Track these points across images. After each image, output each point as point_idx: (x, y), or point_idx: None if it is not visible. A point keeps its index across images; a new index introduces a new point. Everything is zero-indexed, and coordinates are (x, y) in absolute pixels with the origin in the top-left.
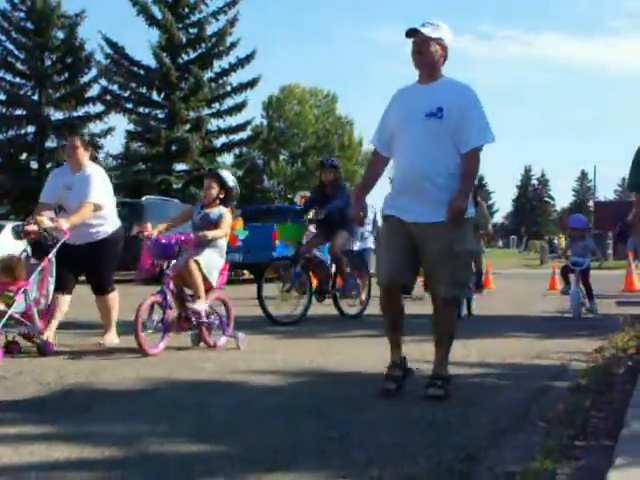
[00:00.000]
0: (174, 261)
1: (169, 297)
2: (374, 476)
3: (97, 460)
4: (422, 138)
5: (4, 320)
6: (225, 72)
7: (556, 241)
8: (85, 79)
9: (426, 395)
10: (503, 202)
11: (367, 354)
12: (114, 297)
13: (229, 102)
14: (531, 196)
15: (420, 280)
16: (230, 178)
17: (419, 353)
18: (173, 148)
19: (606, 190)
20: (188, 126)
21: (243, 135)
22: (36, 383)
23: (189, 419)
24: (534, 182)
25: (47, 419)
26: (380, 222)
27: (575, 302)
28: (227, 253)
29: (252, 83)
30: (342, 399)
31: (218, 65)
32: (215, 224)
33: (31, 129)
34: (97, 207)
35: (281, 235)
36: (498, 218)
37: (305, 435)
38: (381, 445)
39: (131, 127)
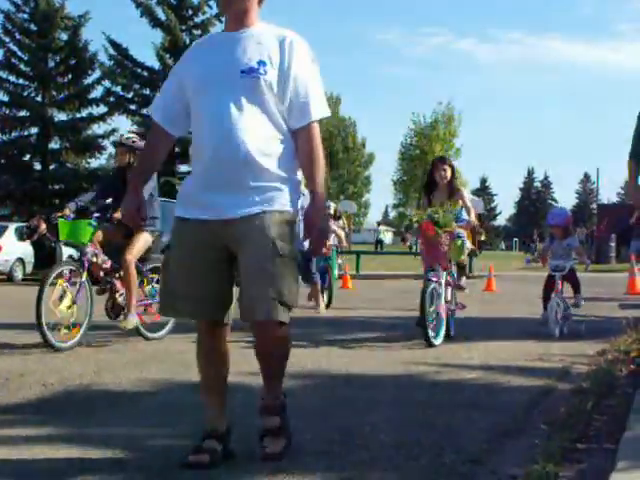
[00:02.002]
0: None
1: None
2: (376, 477)
3: (99, 462)
4: (234, 104)
5: None
6: None
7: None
8: (89, 80)
9: (263, 455)
10: (506, 205)
11: (370, 356)
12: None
13: None
14: (534, 198)
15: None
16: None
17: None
18: (176, 150)
19: (609, 193)
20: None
21: None
22: (39, 384)
23: (191, 420)
24: (537, 184)
25: (49, 421)
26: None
27: (552, 317)
28: None
29: None
30: (344, 401)
31: None
32: None
33: (34, 130)
34: None
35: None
36: (501, 220)
37: (307, 436)
38: (384, 447)
39: (134, 128)
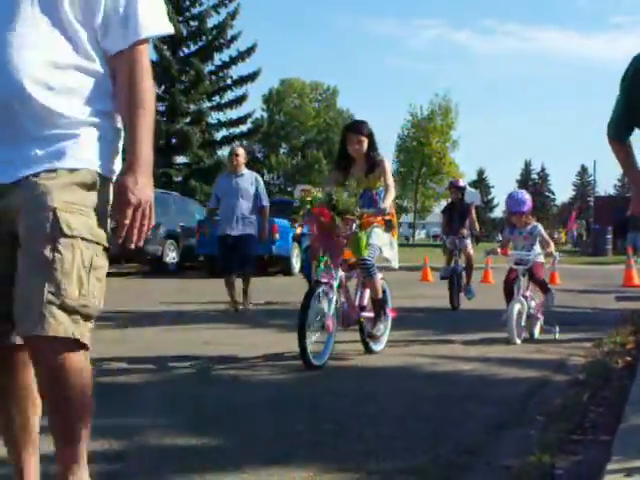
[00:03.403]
0: None
1: None
2: (372, 469)
3: (96, 453)
4: (8, 10)
5: None
6: (225, 65)
7: (556, 235)
8: None
9: None
10: (503, 197)
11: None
12: None
13: (229, 95)
14: (531, 191)
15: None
16: None
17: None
18: (173, 141)
19: (607, 185)
20: (188, 119)
21: (243, 128)
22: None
23: (186, 412)
24: (534, 177)
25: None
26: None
27: (512, 322)
28: None
29: (252, 76)
30: (340, 392)
31: (218, 58)
32: None
33: None
34: None
35: None
36: (498, 212)
37: (302, 427)
38: (379, 438)
39: None
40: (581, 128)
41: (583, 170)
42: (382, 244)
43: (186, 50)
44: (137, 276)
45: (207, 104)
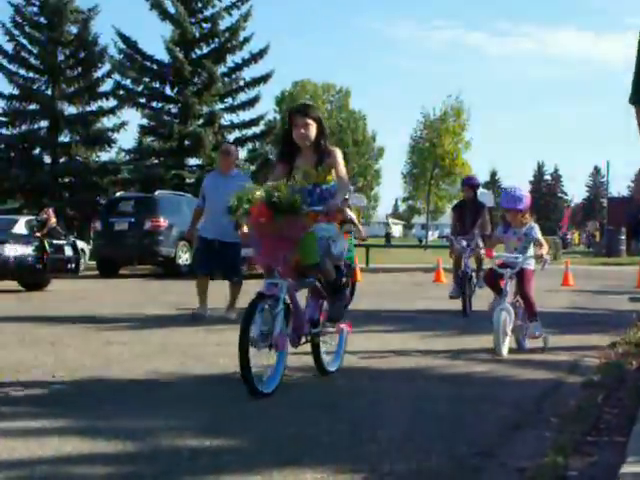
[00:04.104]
0: None
1: None
2: (385, 470)
3: (109, 454)
4: None
5: None
6: (238, 67)
7: (569, 236)
8: (98, 74)
9: None
10: None
11: (379, 349)
12: None
13: (242, 97)
14: (544, 192)
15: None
16: None
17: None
18: (186, 143)
19: (620, 186)
20: (201, 121)
21: (256, 130)
22: (49, 377)
23: (201, 413)
24: (547, 178)
25: (59, 413)
26: None
27: (497, 329)
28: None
29: (265, 78)
30: (353, 393)
31: (231, 60)
32: None
33: (44, 123)
34: None
35: None
36: None
37: (316, 429)
38: (393, 439)
39: (144, 122)
40: (594, 129)
41: (596, 171)
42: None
43: (199, 52)
44: (150, 278)
45: (220, 106)
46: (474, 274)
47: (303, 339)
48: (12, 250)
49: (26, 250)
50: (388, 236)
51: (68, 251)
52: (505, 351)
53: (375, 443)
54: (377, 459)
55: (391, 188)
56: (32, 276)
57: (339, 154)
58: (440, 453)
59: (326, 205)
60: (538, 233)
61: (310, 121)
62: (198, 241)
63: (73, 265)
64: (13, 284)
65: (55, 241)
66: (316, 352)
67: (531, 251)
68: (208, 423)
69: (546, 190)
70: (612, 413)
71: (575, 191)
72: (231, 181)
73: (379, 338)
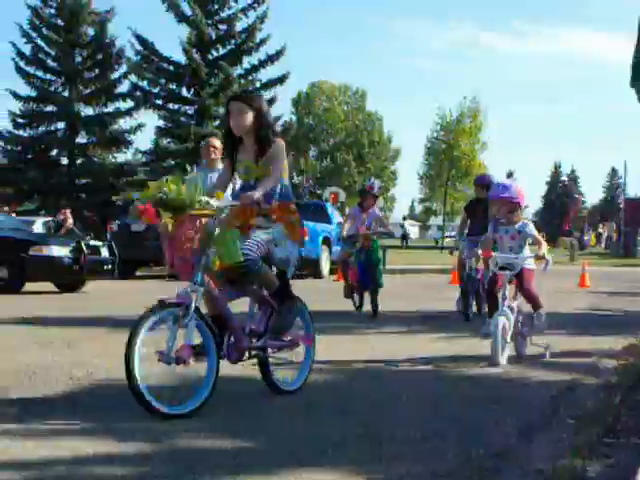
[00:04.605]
0: None
1: None
2: (401, 472)
3: (126, 455)
4: None
5: None
6: (255, 68)
7: (586, 237)
8: (115, 75)
9: None
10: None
11: (393, 350)
12: None
13: None
14: (561, 192)
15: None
16: None
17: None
18: (203, 144)
19: (637, 187)
20: (217, 122)
21: None
22: (66, 378)
23: (217, 415)
24: (564, 178)
25: (76, 414)
26: None
27: (496, 336)
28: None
29: (281, 79)
30: (368, 395)
31: (248, 61)
32: None
33: (61, 125)
34: None
35: None
36: (527, 214)
37: (331, 431)
38: (408, 440)
39: (161, 123)
40: (611, 130)
41: (613, 172)
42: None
43: (215, 53)
44: (171, 279)
45: None
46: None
47: (246, 355)
48: (50, 251)
49: (63, 251)
50: (405, 237)
51: (104, 252)
52: (504, 360)
53: (391, 444)
54: (393, 461)
55: (408, 190)
56: (68, 277)
57: (279, 146)
58: (457, 455)
59: (243, 195)
60: (534, 230)
61: (245, 108)
62: None
63: (109, 266)
64: (47, 285)
65: (92, 242)
66: (263, 369)
67: (528, 250)
68: (225, 424)
69: (562, 191)
70: (630, 415)
71: (592, 192)
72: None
73: (393, 339)
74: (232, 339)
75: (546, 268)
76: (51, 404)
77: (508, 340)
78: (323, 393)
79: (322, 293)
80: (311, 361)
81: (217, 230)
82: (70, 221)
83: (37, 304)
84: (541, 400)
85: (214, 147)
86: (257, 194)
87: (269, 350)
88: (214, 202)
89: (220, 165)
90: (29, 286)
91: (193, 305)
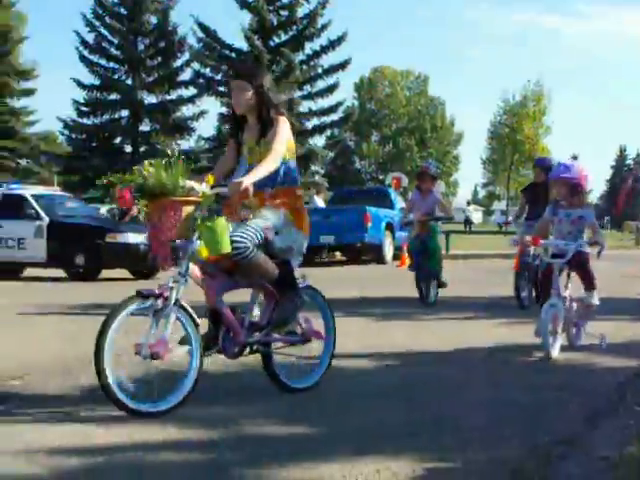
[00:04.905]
0: None
1: None
2: (469, 458)
3: (194, 442)
4: None
5: None
6: (316, 54)
7: None
8: (178, 63)
9: None
10: (597, 183)
11: (457, 337)
12: None
13: (320, 84)
14: (626, 176)
15: None
16: None
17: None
18: None
19: None
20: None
21: (334, 117)
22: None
23: (282, 401)
24: (629, 162)
25: None
26: None
27: (545, 327)
28: (319, 236)
29: (343, 65)
30: (433, 382)
31: (309, 47)
32: None
33: (125, 113)
34: None
35: None
36: (592, 199)
37: (396, 418)
38: (474, 428)
39: (223, 110)
40: None
41: None
42: (264, 226)
43: (277, 40)
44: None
45: (298, 93)
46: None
47: (247, 349)
48: (125, 238)
49: (139, 238)
50: (468, 222)
51: None
52: (556, 353)
53: (458, 431)
54: (461, 447)
55: (471, 174)
56: (143, 264)
57: (282, 124)
58: (522, 442)
59: (229, 185)
60: (593, 217)
61: (245, 85)
62: None
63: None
64: (123, 272)
65: None
66: (266, 364)
67: (585, 237)
68: (286, 412)
69: (628, 175)
70: None
71: None
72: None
73: (455, 325)
74: (230, 333)
75: (600, 254)
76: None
77: (559, 331)
78: (385, 379)
79: (384, 279)
80: (329, 357)
81: (203, 218)
82: (135, 208)
83: (112, 291)
84: (607, 387)
85: None
86: (247, 181)
87: (275, 345)
88: (200, 188)
89: None
90: (105, 273)
91: (174, 296)
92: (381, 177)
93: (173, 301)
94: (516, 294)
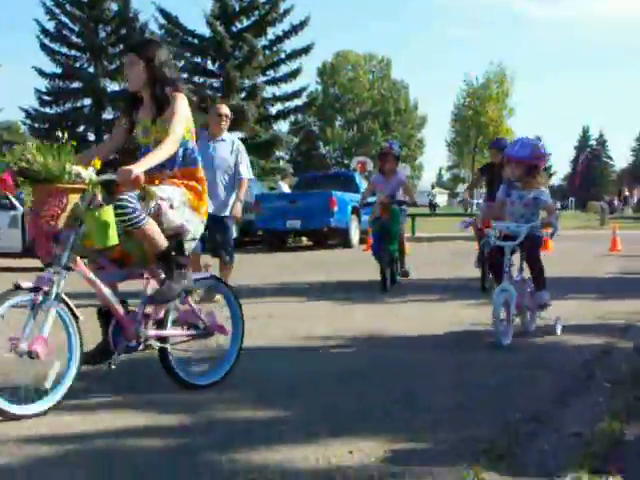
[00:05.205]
0: None
1: None
2: (441, 438)
3: (164, 427)
4: None
5: None
6: (279, 39)
7: (616, 201)
8: None
9: None
10: (562, 164)
11: (426, 319)
12: None
13: (284, 69)
14: (589, 157)
15: None
16: None
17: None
18: (211, 112)
19: None
20: (243, 94)
21: (298, 102)
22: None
23: (252, 386)
24: (592, 143)
25: (112, 388)
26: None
27: (497, 314)
28: (285, 221)
29: (306, 49)
30: (405, 363)
31: (272, 32)
32: None
33: (88, 101)
34: None
35: None
36: (556, 180)
37: (370, 399)
38: (447, 408)
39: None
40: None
41: None
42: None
43: (239, 25)
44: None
45: (262, 79)
46: None
47: (141, 345)
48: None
49: None
50: (432, 205)
51: None
52: (507, 341)
53: (430, 412)
54: (433, 428)
55: (435, 157)
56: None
57: (180, 101)
58: (494, 420)
59: (118, 173)
60: (549, 198)
61: (135, 60)
62: None
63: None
64: None
65: None
66: (162, 359)
67: (538, 221)
68: (259, 395)
69: (591, 156)
70: None
71: (621, 156)
72: (220, 148)
73: (422, 307)
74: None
75: (553, 235)
76: (86, 378)
77: (512, 317)
78: (354, 362)
79: (351, 263)
80: (237, 352)
81: (89, 207)
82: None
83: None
84: (575, 364)
85: (220, 115)
86: (137, 169)
87: (173, 340)
88: (86, 174)
89: (225, 134)
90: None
91: (54, 290)
92: (346, 162)
93: (54, 295)
94: (481, 277)
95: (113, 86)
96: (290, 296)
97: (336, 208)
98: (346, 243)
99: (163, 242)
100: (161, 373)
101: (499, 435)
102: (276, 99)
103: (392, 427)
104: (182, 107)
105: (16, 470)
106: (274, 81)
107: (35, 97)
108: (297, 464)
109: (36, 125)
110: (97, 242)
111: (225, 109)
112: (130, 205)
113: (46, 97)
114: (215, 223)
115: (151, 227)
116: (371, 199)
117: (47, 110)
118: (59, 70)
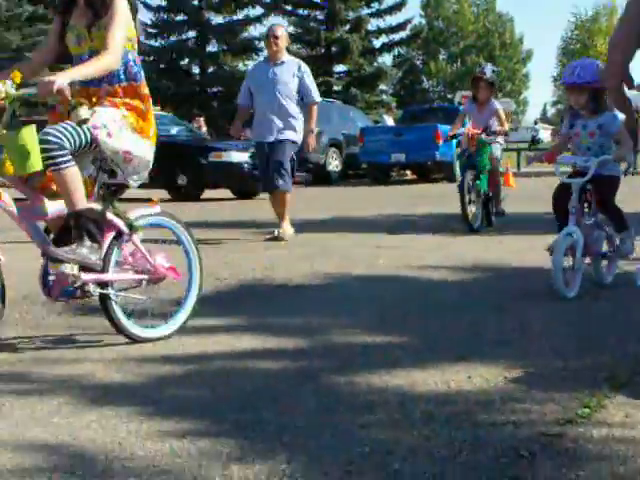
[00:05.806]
0: None
1: None
2: (559, 366)
3: (283, 350)
4: None
5: None
6: None
7: None
8: None
9: None
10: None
11: (530, 249)
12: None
13: (388, 1)
14: None
15: None
16: None
17: None
18: (333, 49)
19: None
20: (348, 27)
21: (402, 35)
22: (213, 278)
23: (368, 311)
24: None
25: (228, 312)
26: None
27: (557, 262)
28: (390, 154)
29: None
30: (518, 292)
31: None
32: None
33: (192, 34)
34: None
35: None
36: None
37: (485, 327)
38: (564, 336)
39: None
40: None
41: None
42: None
43: None
44: (300, 185)
45: (366, 11)
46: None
47: (78, 291)
48: (229, 157)
49: (243, 157)
50: (534, 139)
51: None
52: (572, 293)
53: (546, 339)
54: (551, 355)
55: (540, 92)
56: (246, 184)
57: (117, 7)
58: (613, 349)
59: (38, 85)
60: (620, 124)
61: None
62: (256, 151)
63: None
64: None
65: None
66: (105, 309)
67: (610, 151)
68: (375, 321)
69: None
70: None
71: None
72: (280, 71)
73: (531, 240)
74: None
75: (628, 171)
76: (201, 303)
77: (581, 266)
78: (476, 290)
79: (456, 196)
80: (193, 299)
81: (7, 126)
82: (204, 129)
83: (211, 210)
84: None
85: (275, 37)
86: (61, 80)
87: (115, 285)
88: (3, 88)
89: (285, 57)
90: (208, 193)
91: None
92: (449, 96)
93: None
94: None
95: (217, 19)
96: (397, 228)
97: (441, 141)
98: (451, 177)
99: (80, 202)
100: (274, 297)
101: (618, 363)
102: (380, 32)
103: (510, 354)
104: (120, 8)
105: (136, 388)
106: (378, 13)
107: (140, 30)
108: (416, 387)
109: (142, 58)
110: (18, 168)
111: (274, 30)
112: (55, 140)
113: (151, 30)
114: (272, 151)
115: (72, 177)
116: (460, 130)
117: (152, 42)
118: (164, 3)
